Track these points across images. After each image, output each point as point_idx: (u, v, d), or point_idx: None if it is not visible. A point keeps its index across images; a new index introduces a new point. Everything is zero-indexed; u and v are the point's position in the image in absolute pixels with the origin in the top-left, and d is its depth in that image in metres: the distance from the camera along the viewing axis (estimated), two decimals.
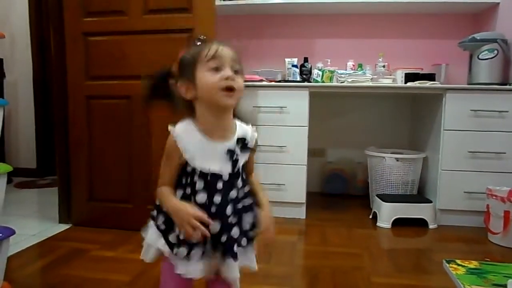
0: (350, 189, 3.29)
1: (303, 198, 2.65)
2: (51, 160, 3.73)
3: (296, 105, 2.59)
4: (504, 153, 2.42)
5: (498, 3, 2.76)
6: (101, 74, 2.29)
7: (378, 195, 2.65)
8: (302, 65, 2.91)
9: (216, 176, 0.94)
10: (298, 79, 2.86)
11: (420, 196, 2.74)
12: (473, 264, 1.84)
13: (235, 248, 0.96)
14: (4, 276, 1.46)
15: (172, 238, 0.97)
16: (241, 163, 0.98)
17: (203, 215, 0.91)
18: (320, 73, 2.80)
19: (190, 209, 0.91)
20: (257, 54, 3.21)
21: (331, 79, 2.78)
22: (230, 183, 0.96)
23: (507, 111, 2.40)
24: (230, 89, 0.91)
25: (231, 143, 0.97)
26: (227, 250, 0.94)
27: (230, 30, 3.09)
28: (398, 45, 3.16)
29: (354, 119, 3.31)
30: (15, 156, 3.84)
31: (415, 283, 1.73)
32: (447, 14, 3.09)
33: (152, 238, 1.01)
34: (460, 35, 2.80)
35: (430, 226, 2.49)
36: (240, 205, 0.98)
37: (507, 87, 2.47)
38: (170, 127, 0.96)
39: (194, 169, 0.94)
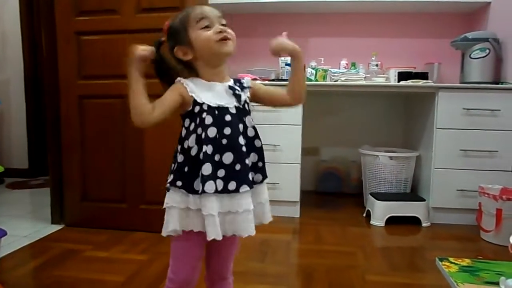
0: (344, 187, 3.30)
1: (297, 197, 2.65)
2: (43, 160, 3.70)
3: None
4: (497, 151, 2.44)
5: (490, 3, 2.78)
6: (93, 73, 2.28)
7: (371, 194, 2.66)
8: None
9: (224, 109, 1.00)
10: None
11: (413, 194, 2.76)
12: (466, 262, 1.85)
13: (250, 176, 1.00)
14: None
15: (195, 184, 0.97)
16: (243, 98, 1.04)
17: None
18: (314, 71, 2.80)
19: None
20: (250, 53, 3.20)
21: (324, 78, 2.78)
22: (238, 117, 1.02)
23: (499, 110, 2.42)
24: (225, 39, 0.99)
25: (230, 83, 1.05)
26: (242, 179, 0.98)
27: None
28: (391, 44, 3.17)
29: (347, 118, 3.32)
30: (7, 157, 3.80)
31: (409, 281, 1.74)
32: (440, 14, 3.11)
33: (179, 200, 1.00)
34: (452, 34, 2.82)
35: (423, 224, 2.51)
36: (244, 141, 1.02)
37: (499, 86, 2.49)
38: (177, 79, 1.03)
39: (201, 108, 0.99)
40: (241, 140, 1.00)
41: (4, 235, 1.51)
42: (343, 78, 2.69)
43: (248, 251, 2.04)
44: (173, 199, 1.01)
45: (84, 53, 2.28)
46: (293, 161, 2.62)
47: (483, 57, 2.59)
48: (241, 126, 1.02)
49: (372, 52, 2.97)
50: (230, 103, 1.02)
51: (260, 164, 1.06)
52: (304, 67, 1.09)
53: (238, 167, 0.99)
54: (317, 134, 3.32)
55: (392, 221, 2.50)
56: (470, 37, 2.61)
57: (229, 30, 1.02)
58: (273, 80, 2.83)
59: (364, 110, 3.30)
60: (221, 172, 0.98)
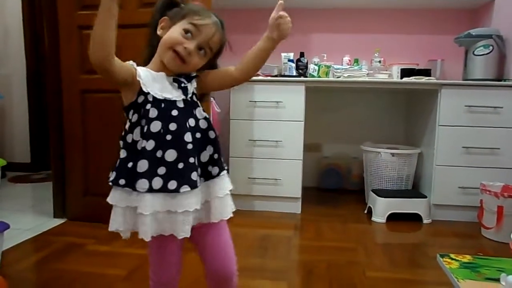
0: (346, 184, 3.30)
1: (298, 193, 2.65)
2: (46, 154, 3.70)
3: (292, 100, 2.59)
4: (498, 148, 2.44)
5: (494, 0, 2.77)
6: None
7: (373, 190, 2.66)
8: (298, 60, 2.91)
9: (170, 102, 0.95)
10: (294, 74, 2.86)
11: (415, 191, 2.76)
12: (467, 258, 1.85)
13: (194, 175, 0.94)
14: None
15: (138, 185, 0.92)
16: (190, 89, 0.99)
17: None
18: (316, 68, 2.80)
19: None
20: None
21: (327, 74, 2.78)
22: (186, 111, 0.96)
23: (501, 107, 2.42)
24: (181, 58, 0.95)
25: (175, 75, 0.99)
26: (184, 178, 0.92)
27: (226, 24, 3.07)
28: (394, 40, 3.16)
29: (350, 114, 3.31)
30: (9, 151, 3.82)
31: (410, 277, 1.74)
32: (443, 10, 3.09)
33: (119, 198, 0.97)
34: (455, 31, 2.81)
35: (425, 221, 2.51)
36: (199, 135, 0.97)
37: (502, 83, 2.48)
38: (128, 62, 0.97)
39: (145, 98, 0.94)
40: (188, 137, 0.94)
41: (7, 228, 1.51)
42: (345, 75, 2.68)
43: (249, 247, 2.05)
44: (114, 198, 0.97)
45: (86, 47, 2.25)
46: (295, 157, 2.62)
47: (487, 54, 2.58)
48: (191, 120, 0.97)
49: (375, 49, 2.96)
50: (178, 96, 0.96)
51: (215, 156, 1.01)
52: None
53: (181, 165, 0.93)
54: (319, 130, 3.32)
55: (394, 218, 2.50)
56: (473, 33, 2.60)
57: (195, 59, 0.96)
58: (275, 76, 2.82)
59: (366, 107, 3.29)
60: (161, 170, 0.92)
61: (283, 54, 2.90)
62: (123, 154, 0.97)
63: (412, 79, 2.61)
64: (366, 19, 3.18)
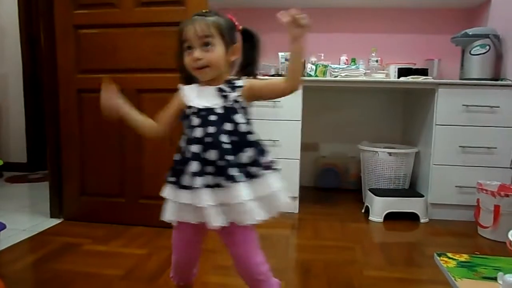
0: (343, 183, 3.31)
1: (296, 192, 2.65)
2: (42, 154, 3.70)
3: (289, 100, 2.55)
4: (495, 148, 2.44)
5: None
6: (92, 67, 2.27)
7: (370, 190, 2.67)
8: None
9: (209, 110, 1.07)
10: None
11: (412, 190, 2.76)
12: (464, 257, 1.86)
13: (232, 171, 1.03)
14: None
15: (183, 180, 1.07)
16: (231, 97, 1.09)
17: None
18: (314, 67, 2.80)
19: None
20: None
21: (324, 74, 2.78)
22: (225, 116, 1.07)
23: (498, 107, 2.42)
24: (199, 68, 1.07)
25: (221, 85, 1.11)
26: (225, 174, 1.03)
27: None
28: (391, 40, 3.17)
29: (347, 114, 3.32)
30: (5, 151, 3.80)
31: (407, 276, 1.75)
32: (440, 9, 3.10)
33: (166, 192, 1.12)
34: (452, 30, 2.81)
35: (422, 220, 2.52)
36: (236, 138, 1.07)
37: (499, 82, 2.49)
38: (178, 85, 1.15)
39: (190, 110, 1.09)
40: (222, 138, 1.05)
41: (3, 228, 1.51)
42: (343, 74, 2.69)
43: None
44: (165, 192, 1.12)
45: (83, 47, 2.27)
46: (292, 157, 2.62)
47: (483, 53, 2.58)
48: (228, 125, 1.07)
49: (372, 48, 2.96)
50: (217, 104, 1.08)
51: (260, 158, 1.09)
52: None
53: (221, 163, 1.04)
54: (317, 130, 3.32)
55: (391, 217, 2.50)
56: (470, 33, 2.60)
57: (208, 54, 1.06)
58: (273, 75, 2.82)
59: (364, 106, 3.30)
60: (210, 168, 1.04)
61: (280, 54, 2.90)
62: (176, 157, 1.12)
63: (409, 78, 2.62)
64: (363, 18, 3.19)
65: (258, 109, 2.59)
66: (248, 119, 1.12)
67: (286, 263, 1.86)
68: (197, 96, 1.10)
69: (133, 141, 2.24)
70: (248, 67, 1.17)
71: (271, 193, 1.09)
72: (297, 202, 2.68)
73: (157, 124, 1.16)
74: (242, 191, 1.03)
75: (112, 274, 1.68)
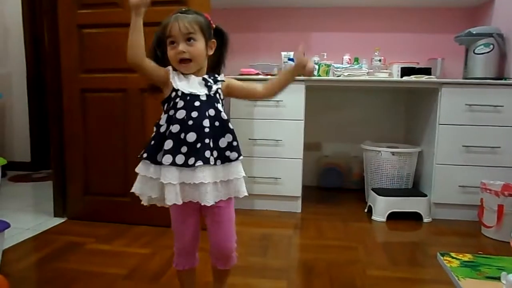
0: (346, 183, 3.30)
1: (299, 192, 2.65)
2: (46, 153, 3.71)
3: (292, 99, 2.58)
4: (499, 147, 2.44)
5: None
6: (96, 67, 2.27)
7: (373, 189, 2.66)
8: None
9: (194, 96, 1.17)
10: None
11: (415, 190, 2.76)
12: (467, 257, 1.85)
13: (207, 153, 1.14)
14: None
15: (159, 156, 1.15)
16: (214, 88, 1.20)
17: None
18: (316, 67, 2.79)
19: None
20: (253, 48, 3.20)
21: (327, 73, 2.77)
22: (208, 103, 1.18)
23: (502, 106, 2.41)
24: (184, 61, 1.16)
25: (205, 76, 1.22)
26: (200, 156, 1.12)
27: (226, 23, 3.06)
28: (394, 39, 3.16)
29: (350, 113, 3.31)
30: (9, 150, 3.82)
31: (410, 276, 1.74)
32: (443, 8, 3.09)
33: (141, 168, 1.20)
34: (456, 29, 2.80)
35: (425, 220, 2.51)
36: (218, 123, 1.17)
37: (503, 81, 2.48)
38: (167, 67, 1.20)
39: (176, 93, 1.17)
40: (205, 123, 1.14)
41: (7, 227, 1.51)
42: (346, 73, 2.68)
43: (249, 246, 2.05)
44: (139, 168, 1.20)
45: (86, 47, 2.27)
46: (295, 156, 2.62)
47: (487, 52, 2.57)
48: (211, 110, 1.17)
49: (375, 47, 2.95)
50: (202, 91, 1.18)
51: (234, 143, 1.20)
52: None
53: (198, 145, 1.13)
54: (319, 129, 3.32)
55: (394, 217, 2.50)
56: (474, 32, 2.59)
57: (191, 48, 1.15)
58: (275, 75, 2.81)
59: (367, 106, 3.29)
60: (184, 149, 1.13)
61: (283, 53, 2.90)
62: (152, 135, 1.18)
63: (412, 78, 2.61)
64: (366, 17, 3.18)
65: (260, 108, 2.61)
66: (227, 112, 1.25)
67: (289, 263, 1.86)
68: (183, 82, 1.18)
69: (136, 140, 2.24)
70: (216, 68, 1.28)
71: (238, 179, 1.21)
72: (299, 201, 2.68)
73: (143, 52, 1.14)
74: (204, 172, 1.13)
75: (115, 273, 1.69)
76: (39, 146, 3.87)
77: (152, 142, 1.17)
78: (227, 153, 1.18)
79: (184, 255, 1.29)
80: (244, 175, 1.23)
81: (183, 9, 1.19)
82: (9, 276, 1.57)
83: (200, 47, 1.17)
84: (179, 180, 1.13)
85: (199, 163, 1.12)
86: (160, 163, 1.14)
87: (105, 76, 2.26)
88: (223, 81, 1.25)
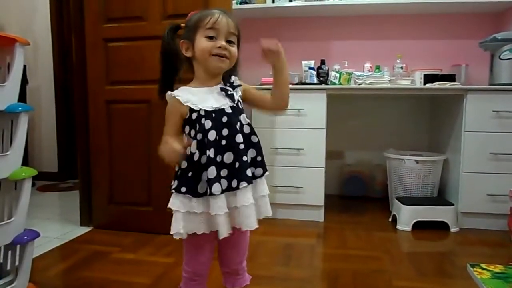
0: (369, 191, 3.26)
1: (321, 201, 2.63)
2: (72, 163, 3.81)
3: (314, 108, 2.58)
4: None
5: None
6: (121, 79, 2.33)
7: (397, 198, 2.62)
8: (319, 68, 2.91)
9: (220, 111, 1.05)
10: (315, 81, 2.86)
11: (441, 198, 2.69)
12: (499, 268, 1.79)
13: (249, 172, 1.04)
14: (29, 277, 1.49)
15: (199, 188, 1.03)
16: (236, 97, 1.09)
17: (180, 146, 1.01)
18: (338, 75, 2.79)
19: (172, 143, 1.02)
20: None
21: (348, 81, 2.76)
22: (234, 116, 1.06)
23: None
24: (223, 56, 1.05)
25: (221, 85, 1.10)
26: (242, 176, 1.03)
27: (247, 33, 3.09)
28: (416, 45, 3.12)
29: (372, 121, 3.28)
30: (37, 160, 3.93)
31: (439, 287, 1.70)
32: (467, 14, 3.04)
33: (180, 205, 1.06)
34: (480, 35, 2.75)
35: (452, 230, 2.45)
36: (244, 138, 1.06)
37: None
38: (167, 94, 1.09)
39: (199, 114, 1.04)
40: (239, 138, 1.05)
41: (37, 236, 1.55)
42: (367, 81, 2.66)
43: (273, 255, 2.04)
44: (175, 204, 1.07)
45: (111, 59, 2.34)
46: (317, 165, 2.60)
47: None
48: (238, 124, 1.06)
49: (396, 54, 2.93)
50: (225, 104, 1.07)
51: (259, 158, 1.10)
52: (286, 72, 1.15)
53: (237, 165, 1.04)
54: (341, 138, 3.29)
55: (419, 226, 2.44)
56: (499, 37, 2.54)
57: (232, 49, 1.06)
58: (296, 84, 2.82)
59: (389, 113, 3.25)
60: (224, 172, 1.03)
61: (303, 62, 2.90)
62: (183, 165, 1.06)
63: (436, 84, 2.57)
64: (386, 25, 3.16)
65: (282, 117, 2.61)
66: (250, 121, 1.11)
67: (313, 273, 1.84)
68: (200, 99, 1.06)
69: None
70: (233, 70, 1.14)
71: (265, 195, 1.12)
72: (322, 210, 2.65)
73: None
74: (249, 193, 1.05)
75: (140, 282, 1.71)
76: (66, 157, 3.97)
77: (190, 173, 1.04)
78: (252, 169, 1.08)
79: (195, 280, 1.17)
80: (268, 192, 1.13)
81: (223, 9, 1.10)
82: (39, 283, 1.61)
83: (236, 51, 1.08)
84: (227, 207, 1.04)
85: (243, 184, 1.03)
86: (201, 195, 1.03)
87: (129, 88, 2.32)
88: (240, 85, 1.13)
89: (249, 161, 1.07)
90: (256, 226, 1.06)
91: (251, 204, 1.04)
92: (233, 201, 1.04)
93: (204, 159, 1.02)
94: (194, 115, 1.05)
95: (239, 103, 1.10)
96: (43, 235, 2.00)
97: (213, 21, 1.04)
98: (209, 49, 1.04)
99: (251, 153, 1.09)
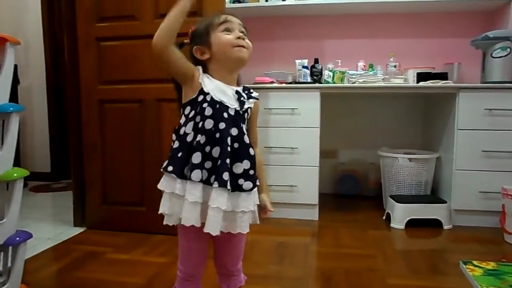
0: (363, 190, 3.27)
1: (315, 200, 2.64)
2: (65, 164, 3.78)
3: (307, 107, 2.58)
4: None
5: (510, 1, 2.72)
6: (113, 78, 2.32)
7: (391, 196, 2.63)
8: (313, 66, 2.91)
9: (224, 106, 1.05)
10: (309, 80, 2.86)
11: (434, 196, 2.71)
12: (491, 265, 1.81)
13: (226, 175, 1.00)
14: (21, 278, 1.48)
15: (186, 170, 1.02)
16: (246, 105, 1.09)
17: None
18: (331, 74, 2.79)
19: None
20: (267, 56, 3.22)
21: (342, 80, 2.77)
22: (234, 120, 1.05)
23: None
24: (242, 46, 1.07)
25: (239, 89, 1.10)
26: (219, 175, 1.00)
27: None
28: (409, 44, 3.14)
29: (366, 120, 3.29)
30: (30, 160, 3.90)
31: (432, 284, 1.71)
32: (459, 13, 3.05)
33: (166, 185, 1.06)
34: (472, 34, 2.77)
35: (445, 227, 2.46)
36: (237, 145, 1.05)
37: None
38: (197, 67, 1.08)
39: (204, 98, 1.04)
40: (228, 141, 1.03)
41: (29, 237, 1.54)
42: (361, 80, 2.67)
43: (267, 254, 2.05)
44: (162, 184, 1.07)
45: (104, 59, 2.32)
46: (311, 164, 2.61)
47: (505, 56, 2.53)
48: (234, 130, 1.05)
49: (389, 53, 2.94)
50: (232, 104, 1.06)
51: (251, 172, 1.07)
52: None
53: (219, 162, 1.01)
54: (335, 137, 3.30)
55: (413, 224, 2.46)
56: (491, 36, 2.56)
57: (247, 40, 1.09)
58: (290, 83, 2.82)
59: (383, 112, 3.26)
60: (208, 164, 1.01)
61: (297, 61, 2.90)
62: (175, 144, 1.06)
63: (428, 83, 2.58)
64: (380, 24, 3.17)
65: (276, 116, 2.62)
66: (247, 130, 1.10)
67: (306, 272, 1.85)
68: (214, 86, 1.06)
69: (153, 150, 2.27)
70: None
71: (246, 211, 1.06)
72: (316, 209, 2.66)
73: (173, 39, 1.00)
74: (223, 196, 1.01)
75: (134, 283, 1.70)
76: (58, 157, 3.94)
77: (180, 153, 1.03)
78: (240, 181, 1.04)
79: (189, 280, 1.15)
80: (253, 209, 1.09)
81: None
82: (32, 284, 1.60)
83: (251, 44, 1.11)
84: (202, 198, 1.01)
85: (215, 184, 1.00)
86: (185, 178, 1.01)
87: (122, 87, 2.31)
88: (257, 99, 1.13)
89: (238, 172, 1.04)
90: (217, 233, 1.00)
91: (217, 208, 0.99)
92: (207, 197, 1.01)
93: (194, 143, 1.02)
94: (200, 98, 1.04)
95: (245, 113, 1.09)
96: (36, 236, 1.99)
97: (225, 16, 1.08)
98: (230, 40, 1.06)
99: (246, 164, 1.05)
